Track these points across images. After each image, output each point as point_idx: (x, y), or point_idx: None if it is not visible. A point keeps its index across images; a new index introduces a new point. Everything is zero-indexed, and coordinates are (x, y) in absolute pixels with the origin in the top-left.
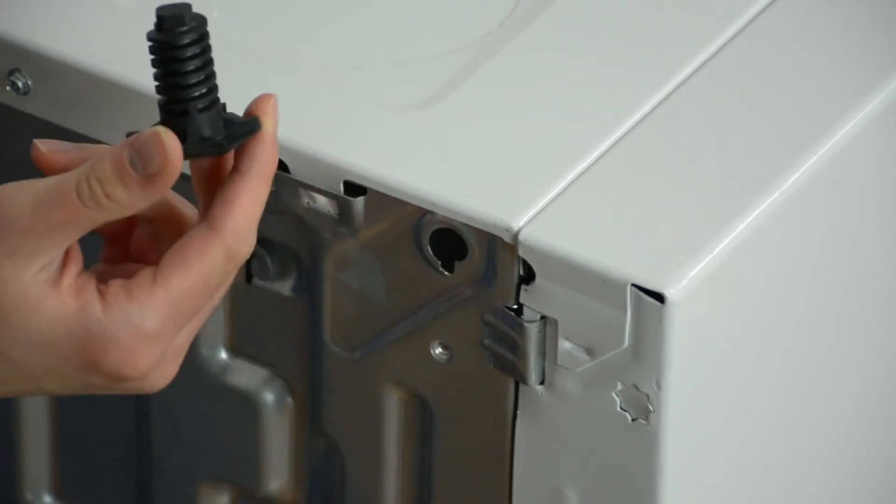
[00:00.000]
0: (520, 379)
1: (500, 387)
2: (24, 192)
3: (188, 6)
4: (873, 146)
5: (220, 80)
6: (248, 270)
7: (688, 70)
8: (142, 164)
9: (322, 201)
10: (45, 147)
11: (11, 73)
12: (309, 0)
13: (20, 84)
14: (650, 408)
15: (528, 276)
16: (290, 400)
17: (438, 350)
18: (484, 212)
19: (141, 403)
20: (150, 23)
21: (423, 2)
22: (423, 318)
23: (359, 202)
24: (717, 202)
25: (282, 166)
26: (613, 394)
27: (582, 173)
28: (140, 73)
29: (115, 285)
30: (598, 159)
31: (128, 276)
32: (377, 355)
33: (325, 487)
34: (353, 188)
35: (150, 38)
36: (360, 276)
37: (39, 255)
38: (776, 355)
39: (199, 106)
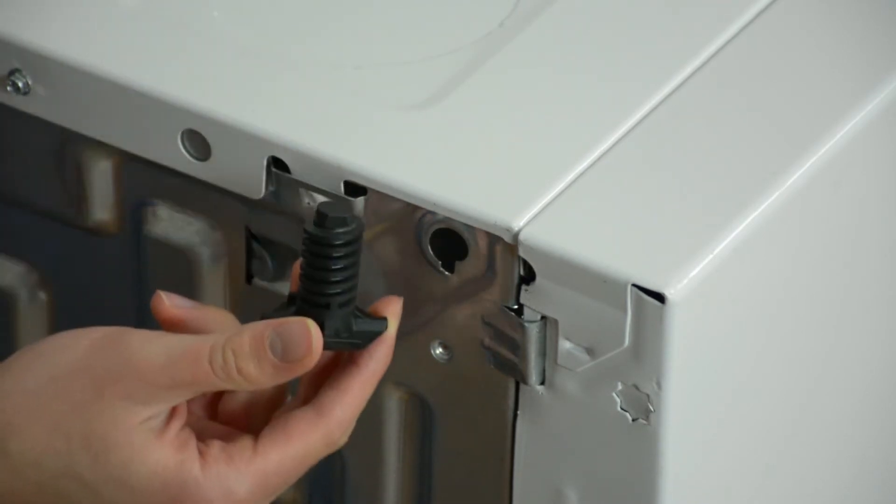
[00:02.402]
0: (520, 379)
1: (501, 387)
2: (156, 342)
3: (349, 206)
4: (873, 146)
5: (220, 80)
6: (249, 270)
7: (688, 70)
8: (283, 349)
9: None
10: (167, 300)
11: (11, 73)
12: (309, 0)
13: (20, 84)
14: (650, 408)
15: (529, 276)
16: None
17: (438, 350)
18: (484, 212)
19: None
20: (150, 23)
21: (423, 2)
22: (423, 318)
23: (359, 202)
24: (717, 202)
25: (282, 166)
26: (614, 394)
27: (582, 173)
28: (140, 72)
29: (216, 447)
30: (598, 159)
31: (223, 437)
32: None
33: (325, 487)
34: (354, 188)
35: (307, 233)
36: (360, 276)
37: (153, 406)
38: (776, 355)
39: (341, 302)
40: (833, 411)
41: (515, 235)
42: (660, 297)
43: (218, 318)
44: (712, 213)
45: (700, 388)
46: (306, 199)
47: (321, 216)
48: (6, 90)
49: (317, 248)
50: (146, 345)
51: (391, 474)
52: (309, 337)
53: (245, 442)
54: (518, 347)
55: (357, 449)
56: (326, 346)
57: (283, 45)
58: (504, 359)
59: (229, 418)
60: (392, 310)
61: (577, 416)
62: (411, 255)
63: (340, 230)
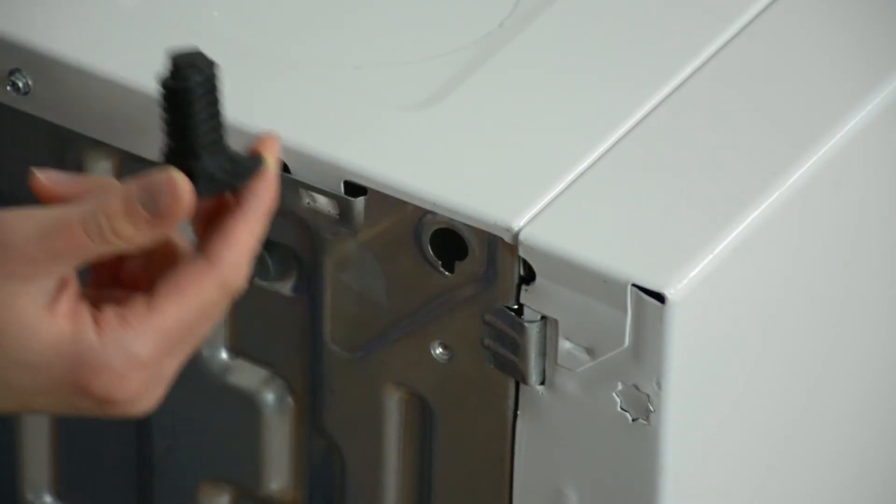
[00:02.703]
0: (520, 379)
1: (501, 387)
2: (27, 219)
3: (200, 52)
4: (873, 146)
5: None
6: None
7: (688, 70)
8: (152, 203)
9: (322, 201)
10: (44, 177)
11: (11, 73)
12: (309, 0)
13: (20, 84)
14: (650, 408)
15: (529, 276)
16: (290, 400)
17: (439, 350)
18: (484, 212)
19: None
20: (150, 23)
21: (423, 2)
22: (423, 318)
23: (359, 202)
24: (717, 202)
25: (282, 166)
26: (614, 394)
27: (582, 173)
28: (140, 72)
29: (110, 312)
30: (598, 159)
31: (119, 302)
32: (377, 355)
33: (325, 487)
34: (354, 188)
35: (163, 85)
36: (361, 276)
37: (37, 281)
38: (776, 355)
39: (209, 148)
40: (833, 411)
41: (515, 235)
42: (660, 297)
43: (102, 184)
44: (712, 213)
45: (700, 388)
46: (306, 199)
47: (175, 66)
48: (6, 90)
49: (174, 98)
50: (20, 222)
51: (391, 474)
52: (174, 185)
53: (139, 300)
54: (518, 347)
55: (357, 449)
56: (200, 193)
57: (283, 45)
58: (504, 359)
59: (132, 282)
60: (267, 147)
61: (577, 416)
62: (411, 255)
63: (195, 77)
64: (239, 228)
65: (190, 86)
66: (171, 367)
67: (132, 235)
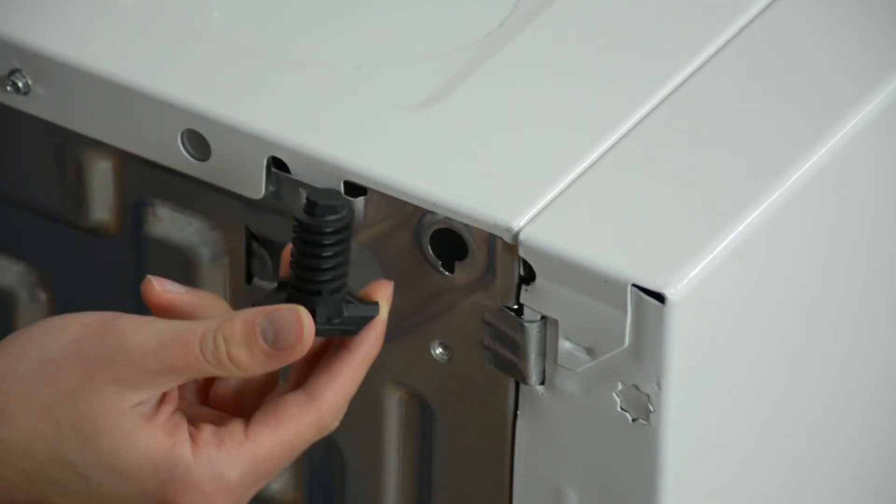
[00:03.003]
0: (520, 379)
1: (501, 387)
2: (147, 328)
3: (339, 193)
4: (873, 146)
5: (220, 80)
6: (249, 270)
7: (688, 70)
8: (274, 337)
9: None
10: (158, 285)
11: (11, 73)
12: (309, 0)
13: (20, 84)
14: (650, 408)
15: (529, 277)
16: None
17: (438, 350)
18: (484, 212)
19: None
20: (150, 23)
21: (423, 2)
22: (423, 318)
23: (359, 202)
24: (717, 202)
25: (282, 166)
26: (614, 394)
27: (582, 173)
28: (140, 73)
29: (207, 431)
30: (598, 159)
31: (215, 422)
32: (377, 355)
33: (325, 487)
34: (354, 188)
35: (297, 220)
36: (361, 276)
37: (144, 390)
38: (776, 355)
39: (332, 288)
40: (833, 411)
41: (515, 235)
42: (660, 297)
43: (210, 303)
44: (712, 213)
45: (700, 388)
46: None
47: (311, 204)
48: (6, 90)
49: (307, 235)
50: (137, 330)
51: (391, 474)
52: (300, 324)
53: (236, 426)
54: (518, 347)
55: (357, 449)
56: (318, 333)
57: (283, 45)
58: (504, 359)
59: (221, 403)
60: (383, 293)
61: (577, 416)
62: (411, 255)
63: (330, 218)
64: (344, 373)
65: (323, 226)
66: (249, 496)
67: (247, 364)
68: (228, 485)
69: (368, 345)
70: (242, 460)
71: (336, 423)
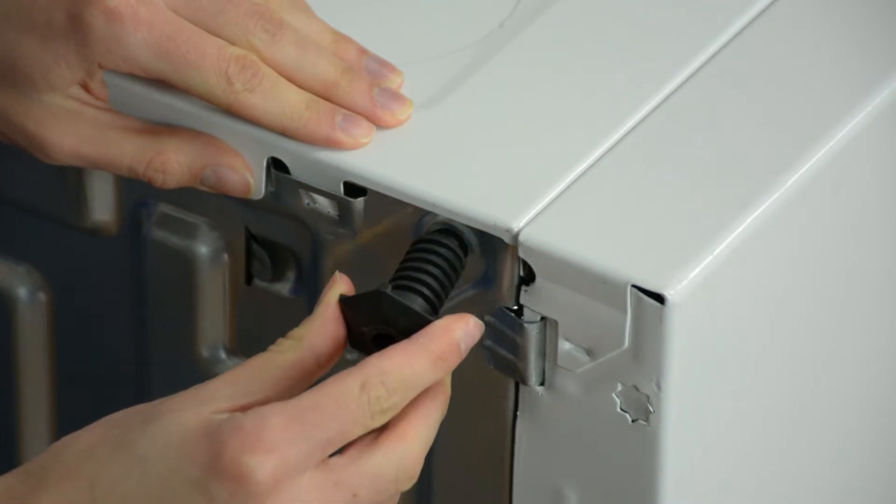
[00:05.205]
0: (520, 380)
1: (501, 387)
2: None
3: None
4: (873, 146)
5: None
6: (248, 271)
7: (688, 70)
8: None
9: (322, 202)
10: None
11: None
12: (309, 0)
13: None
14: (650, 409)
15: (529, 277)
16: None
17: None
18: (484, 212)
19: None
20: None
21: (423, 2)
22: None
23: (359, 203)
24: (717, 202)
25: (282, 167)
26: (613, 395)
27: (582, 174)
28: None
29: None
30: (598, 160)
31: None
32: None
33: None
34: (354, 189)
35: (424, 234)
36: (361, 276)
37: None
38: (776, 356)
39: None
40: (833, 411)
41: (515, 236)
42: (660, 298)
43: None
44: (712, 213)
45: (700, 388)
46: (306, 200)
47: (442, 229)
48: None
49: (460, 265)
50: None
51: None
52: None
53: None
54: (518, 348)
55: None
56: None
57: None
58: (504, 359)
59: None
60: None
61: (576, 416)
62: None
63: (454, 244)
64: (396, 348)
65: (442, 245)
66: (297, 450)
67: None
68: (272, 425)
69: (427, 336)
70: (283, 406)
71: (383, 391)
